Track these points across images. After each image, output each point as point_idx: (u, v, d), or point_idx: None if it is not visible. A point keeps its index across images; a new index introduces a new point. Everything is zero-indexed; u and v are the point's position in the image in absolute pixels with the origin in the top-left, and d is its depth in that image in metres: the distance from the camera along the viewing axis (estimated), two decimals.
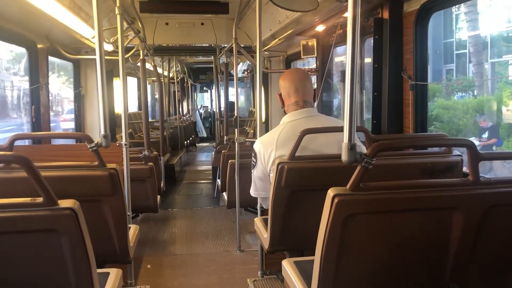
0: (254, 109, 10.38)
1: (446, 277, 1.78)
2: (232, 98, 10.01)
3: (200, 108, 18.01)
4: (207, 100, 18.85)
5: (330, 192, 1.57)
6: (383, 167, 2.26)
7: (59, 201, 1.53)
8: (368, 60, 4.33)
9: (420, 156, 2.58)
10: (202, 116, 17.16)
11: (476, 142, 6.48)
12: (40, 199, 1.50)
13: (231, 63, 5.86)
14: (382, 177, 1.64)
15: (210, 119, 16.71)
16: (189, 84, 14.46)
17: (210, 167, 9.52)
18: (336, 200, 1.55)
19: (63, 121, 8.36)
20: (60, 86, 7.53)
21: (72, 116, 6.70)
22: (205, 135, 16.19)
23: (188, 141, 11.89)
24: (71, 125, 7.49)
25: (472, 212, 1.66)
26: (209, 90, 17.97)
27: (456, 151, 2.51)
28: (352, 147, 1.51)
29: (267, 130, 6.22)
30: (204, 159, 11.64)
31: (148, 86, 10.69)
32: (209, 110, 17.52)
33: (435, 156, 2.53)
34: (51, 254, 1.60)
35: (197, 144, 14.25)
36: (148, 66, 7.64)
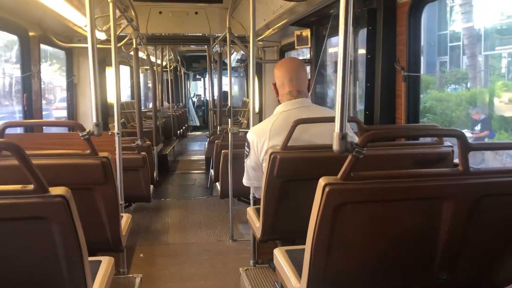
0: (247, 99, 10.34)
1: (435, 266, 1.80)
2: (225, 87, 9.98)
3: (193, 97, 17.92)
4: (200, 88, 18.76)
5: (321, 182, 1.58)
6: (374, 158, 2.28)
7: (50, 189, 1.53)
8: (362, 51, 4.33)
9: (412, 146, 2.59)
10: (195, 105, 17.07)
11: (469, 135, 6.49)
12: (31, 187, 1.50)
13: (225, 52, 5.84)
14: (374, 167, 1.65)
15: (203, 107, 16.63)
16: (182, 72, 14.38)
17: (203, 157, 9.51)
18: (327, 189, 1.55)
19: (55, 109, 8.31)
20: (52, 74, 7.47)
21: (65, 104, 6.66)
22: (198, 123, 16.10)
23: (181, 130, 11.85)
24: (63, 113, 7.45)
25: (462, 202, 1.67)
26: (202, 78, 17.88)
27: (447, 142, 2.53)
28: (343, 137, 1.52)
29: (260, 121, 6.22)
30: (197, 149, 11.61)
31: (141, 75, 10.63)
32: (202, 98, 17.45)
33: (426, 146, 2.55)
34: (42, 242, 1.60)
35: (189, 133, 14.18)
36: (141, 54, 7.60)
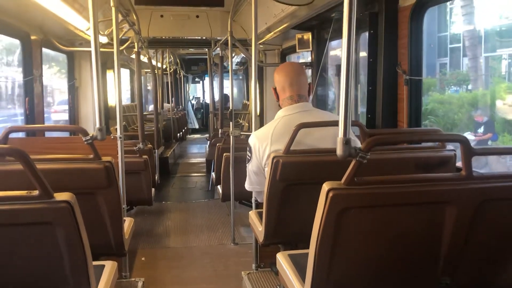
0: (247, 101, 10.31)
1: (438, 270, 1.80)
2: (225, 90, 10.00)
3: (192, 99, 17.93)
4: (199, 91, 18.75)
5: (325, 186, 1.58)
6: (377, 162, 2.28)
7: (55, 194, 1.53)
8: (363, 54, 4.34)
9: (414, 150, 2.59)
10: (194, 107, 17.08)
11: (472, 137, 6.43)
12: (36, 192, 1.50)
13: (226, 56, 5.85)
14: (376, 171, 1.66)
15: (202, 110, 16.66)
16: (182, 75, 14.38)
17: (203, 159, 9.53)
18: (330, 194, 1.56)
19: (54, 112, 8.29)
20: (50, 77, 7.48)
21: (63, 107, 6.65)
22: (197, 126, 16.12)
23: (181, 133, 11.87)
24: (62, 116, 7.44)
25: (465, 207, 1.68)
26: (201, 81, 17.89)
27: (449, 146, 2.54)
28: (347, 142, 1.52)
29: (261, 124, 6.23)
30: (197, 151, 11.62)
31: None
32: (201, 101, 17.46)
33: (429, 150, 2.55)
34: (47, 247, 1.61)
35: (188, 136, 14.17)
36: (141, 57, 7.62)
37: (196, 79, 17.98)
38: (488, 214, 1.70)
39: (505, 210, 1.73)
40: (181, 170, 9.05)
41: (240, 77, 14.21)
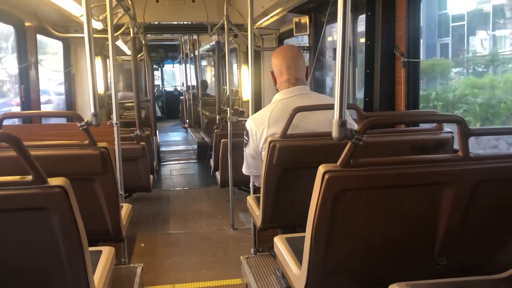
0: (231, 87, 10.24)
1: (435, 252, 1.80)
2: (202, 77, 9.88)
3: None
4: (157, 78, 18.47)
5: (321, 169, 1.57)
6: (374, 144, 2.27)
7: (49, 180, 1.52)
8: (362, 39, 4.30)
9: (411, 133, 2.59)
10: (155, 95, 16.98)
11: None
12: (29, 177, 1.49)
13: (223, 40, 5.78)
14: (373, 154, 1.64)
15: (162, 98, 16.61)
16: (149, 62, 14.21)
17: (186, 146, 9.80)
18: (326, 177, 1.55)
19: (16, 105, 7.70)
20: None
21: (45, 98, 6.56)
22: (160, 114, 16.09)
23: None
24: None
25: (462, 188, 1.67)
26: (159, 68, 17.72)
27: (447, 128, 2.52)
28: (342, 124, 1.51)
29: (259, 109, 6.19)
30: (173, 139, 11.48)
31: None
32: (160, 88, 17.33)
33: (426, 133, 2.54)
34: (41, 232, 1.60)
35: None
36: (120, 43, 7.59)
37: (154, 66, 17.70)
38: (485, 195, 1.70)
39: (502, 191, 1.72)
40: (171, 157, 9.02)
41: (212, 63, 14.09)
